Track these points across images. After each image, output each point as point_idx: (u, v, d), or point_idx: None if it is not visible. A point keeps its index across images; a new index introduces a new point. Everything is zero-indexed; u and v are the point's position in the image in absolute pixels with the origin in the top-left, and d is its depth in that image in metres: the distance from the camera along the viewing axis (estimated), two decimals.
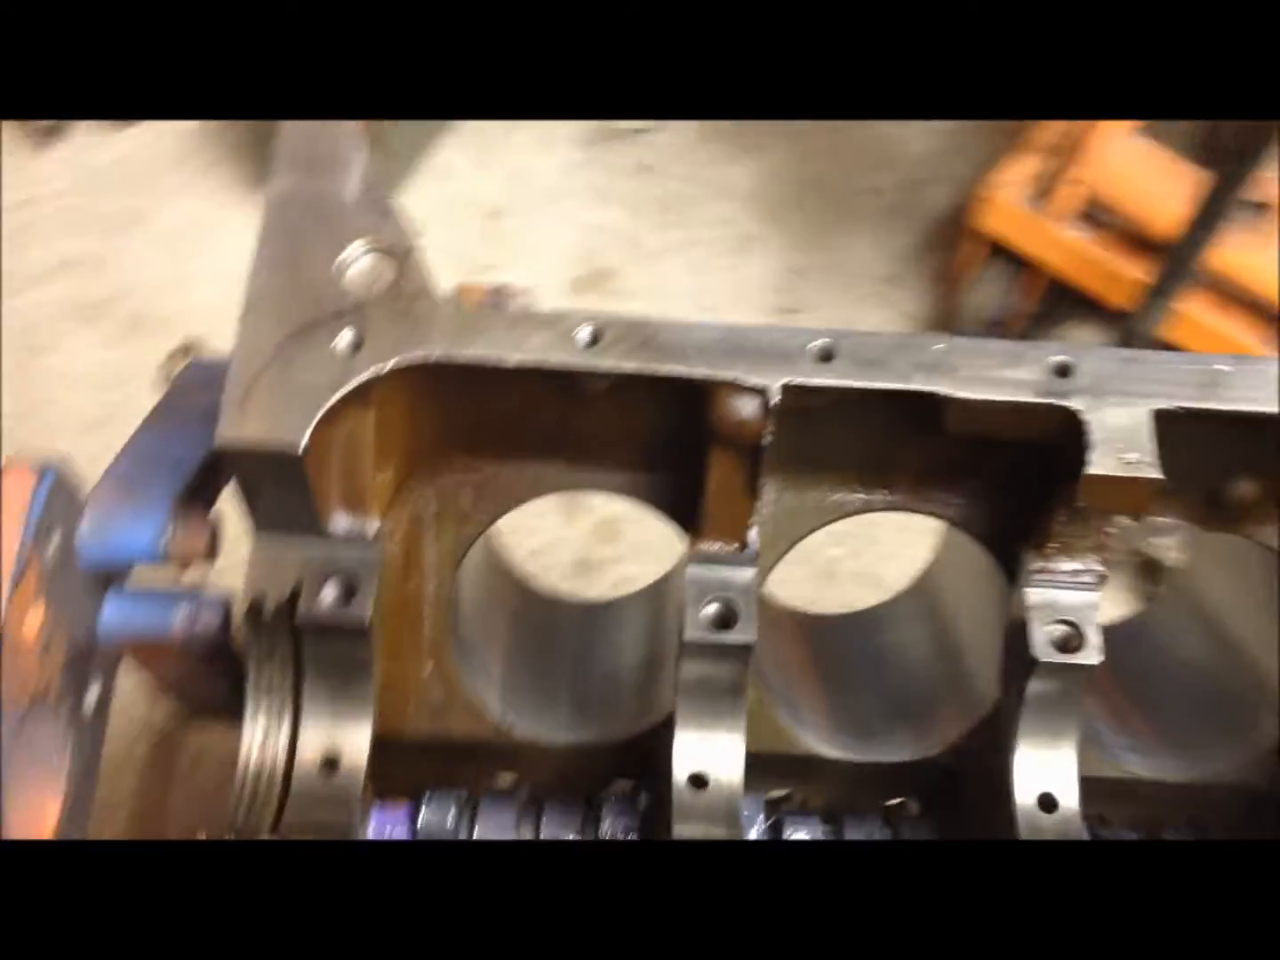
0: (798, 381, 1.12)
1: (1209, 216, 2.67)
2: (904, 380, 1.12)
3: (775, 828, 1.32)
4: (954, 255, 3.70)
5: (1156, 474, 1.08)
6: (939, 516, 1.29)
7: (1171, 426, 1.11)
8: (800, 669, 1.50)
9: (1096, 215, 3.24)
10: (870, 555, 3.14)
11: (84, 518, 1.20)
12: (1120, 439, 1.09)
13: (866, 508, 1.29)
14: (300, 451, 1.07)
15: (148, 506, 1.23)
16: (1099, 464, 1.09)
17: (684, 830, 1.18)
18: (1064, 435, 1.12)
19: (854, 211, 4.05)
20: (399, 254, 1.16)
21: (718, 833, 1.18)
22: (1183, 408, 1.10)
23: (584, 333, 1.14)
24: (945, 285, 3.77)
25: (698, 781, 1.22)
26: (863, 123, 4.19)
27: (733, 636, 1.18)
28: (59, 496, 1.16)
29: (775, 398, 1.12)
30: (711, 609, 1.19)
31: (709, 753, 1.22)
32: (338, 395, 1.10)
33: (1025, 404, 1.11)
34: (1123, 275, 3.11)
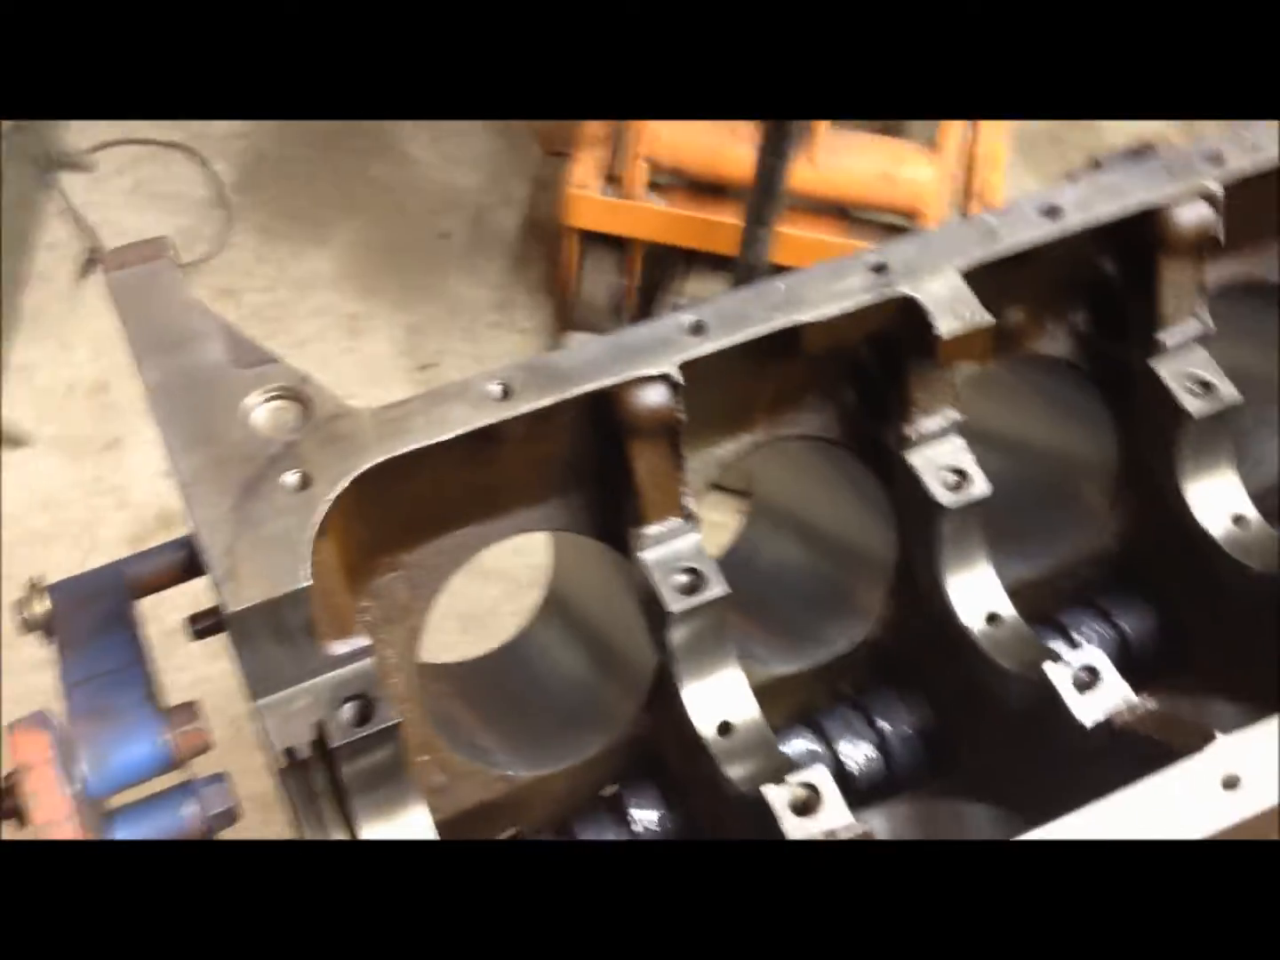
0: (691, 356, 1.26)
1: (773, 145, 3.01)
2: (769, 322, 1.29)
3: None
4: (554, 262, 3.92)
5: (990, 319, 1.30)
6: (800, 437, 1.47)
7: (969, 279, 1.34)
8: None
9: (667, 181, 3.56)
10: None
11: (83, 760, 1.17)
12: (949, 302, 1.31)
13: (741, 451, 1.46)
14: (309, 582, 1.11)
15: (132, 722, 1.21)
16: (946, 327, 1.30)
17: (734, 772, 1.30)
18: (902, 318, 1.32)
19: (439, 257, 4.20)
20: (297, 388, 1.21)
21: (764, 766, 1.31)
22: (979, 262, 1.33)
23: (494, 388, 1.23)
24: (555, 290, 4.00)
25: (724, 729, 1.34)
26: (410, 177, 4.34)
27: (709, 594, 1.31)
28: (64, 744, 1.14)
29: (679, 377, 1.26)
30: (682, 579, 1.32)
31: (721, 700, 1.35)
32: (313, 528, 1.14)
33: (869, 304, 1.31)
34: (714, 224, 3.43)
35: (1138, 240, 1.42)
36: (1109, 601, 1.61)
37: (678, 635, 1.32)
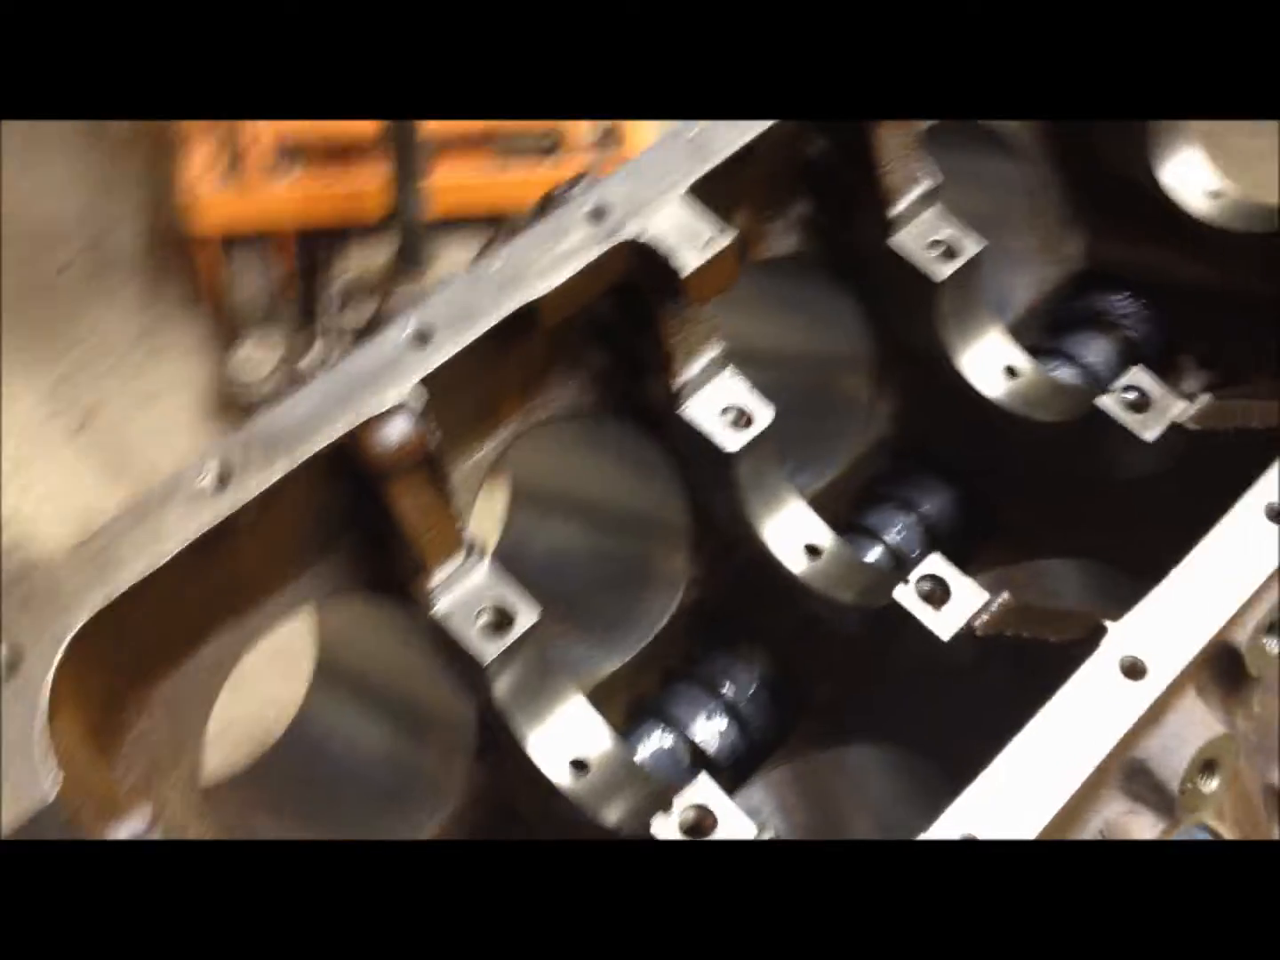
0: (425, 372, 1.09)
1: None
2: (500, 309, 1.12)
3: None
4: (195, 272, 3.58)
5: (731, 238, 1.17)
6: (558, 418, 1.32)
7: (692, 198, 1.20)
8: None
9: (291, 157, 3.27)
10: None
11: None
12: (683, 234, 1.17)
13: (500, 448, 1.29)
14: (57, 786, 0.89)
15: None
16: (688, 262, 1.16)
17: (609, 816, 1.16)
18: (638, 262, 1.18)
19: (65, 293, 3.78)
20: None
21: (633, 796, 1.17)
22: (697, 177, 1.20)
23: (208, 479, 1.02)
24: (206, 301, 3.66)
25: (579, 767, 1.19)
26: (6, 215, 3.86)
27: (522, 624, 1.15)
28: None
29: (418, 402, 1.08)
30: (486, 620, 1.15)
31: (567, 736, 1.20)
32: (41, 716, 0.92)
33: (601, 258, 1.15)
34: (356, 194, 3.19)
35: None
36: (906, 490, 1.54)
37: (501, 684, 1.16)
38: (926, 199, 1.37)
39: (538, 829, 1.24)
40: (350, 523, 1.15)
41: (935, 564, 1.20)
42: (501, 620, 1.16)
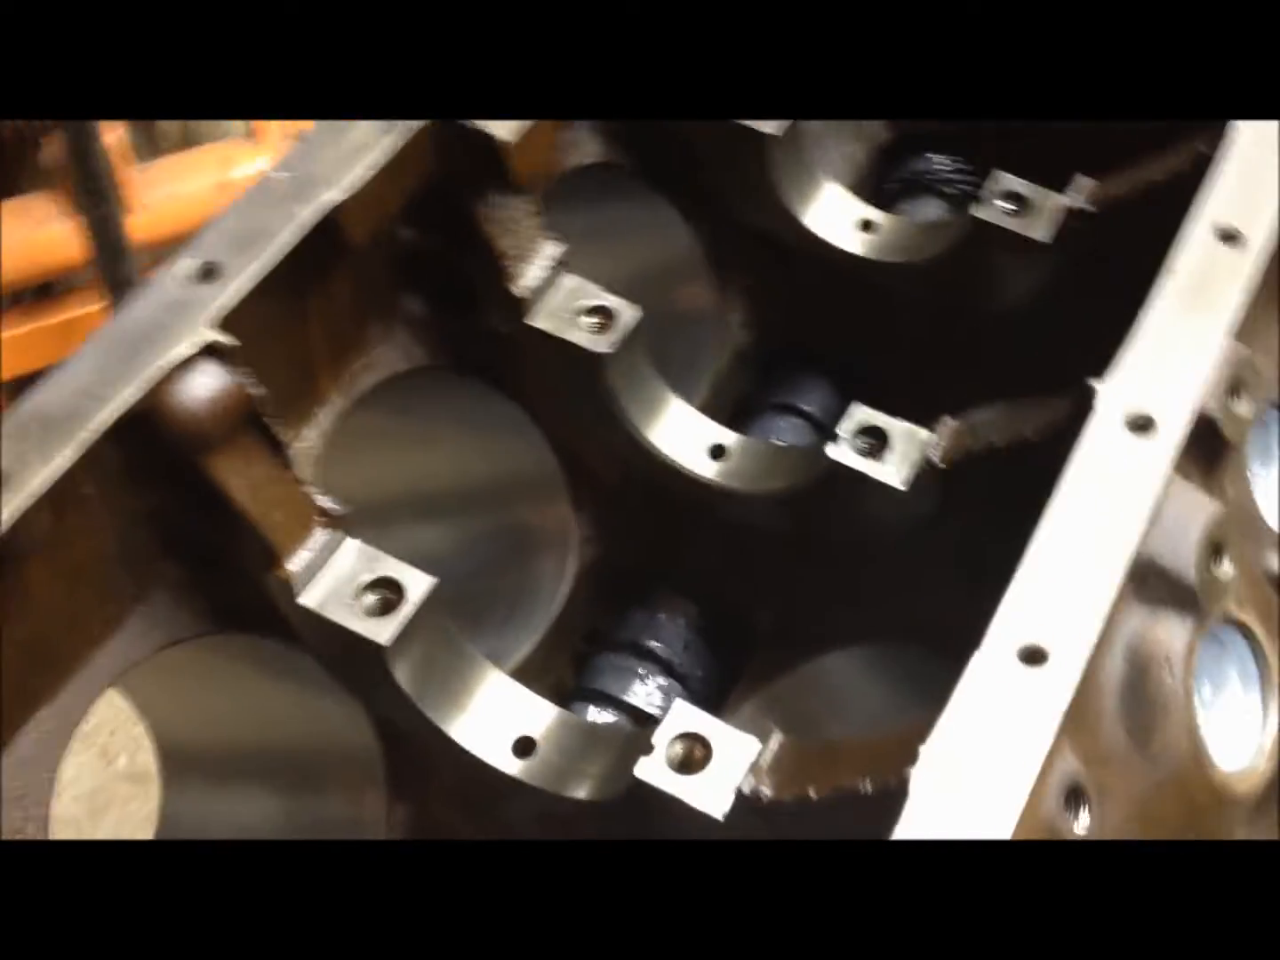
0: (224, 309, 0.87)
1: (91, 208, 2.59)
2: (297, 220, 0.91)
3: None
4: None
5: None
6: (388, 381, 1.11)
7: None
8: None
9: None
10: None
11: None
12: None
13: (329, 434, 1.08)
14: None
15: None
16: (504, 131, 0.98)
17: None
18: (449, 148, 0.99)
19: None
20: None
21: (597, 760, 0.95)
22: None
23: None
24: None
25: (522, 749, 0.97)
26: None
27: (416, 596, 0.92)
28: None
29: (228, 339, 0.86)
30: (371, 599, 0.93)
31: (500, 718, 0.98)
32: None
33: (403, 147, 0.96)
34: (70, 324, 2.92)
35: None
36: (781, 395, 1.38)
37: (404, 670, 0.93)
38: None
39: (491, 833, 1.01)
40: (171, 536, 0.92)
41: (863, 413, 1.05)
42: (390, 599, 0.93)
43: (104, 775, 2.57)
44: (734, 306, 1.39)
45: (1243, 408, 1.01)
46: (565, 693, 1.20)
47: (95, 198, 2.62)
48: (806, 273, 1.30)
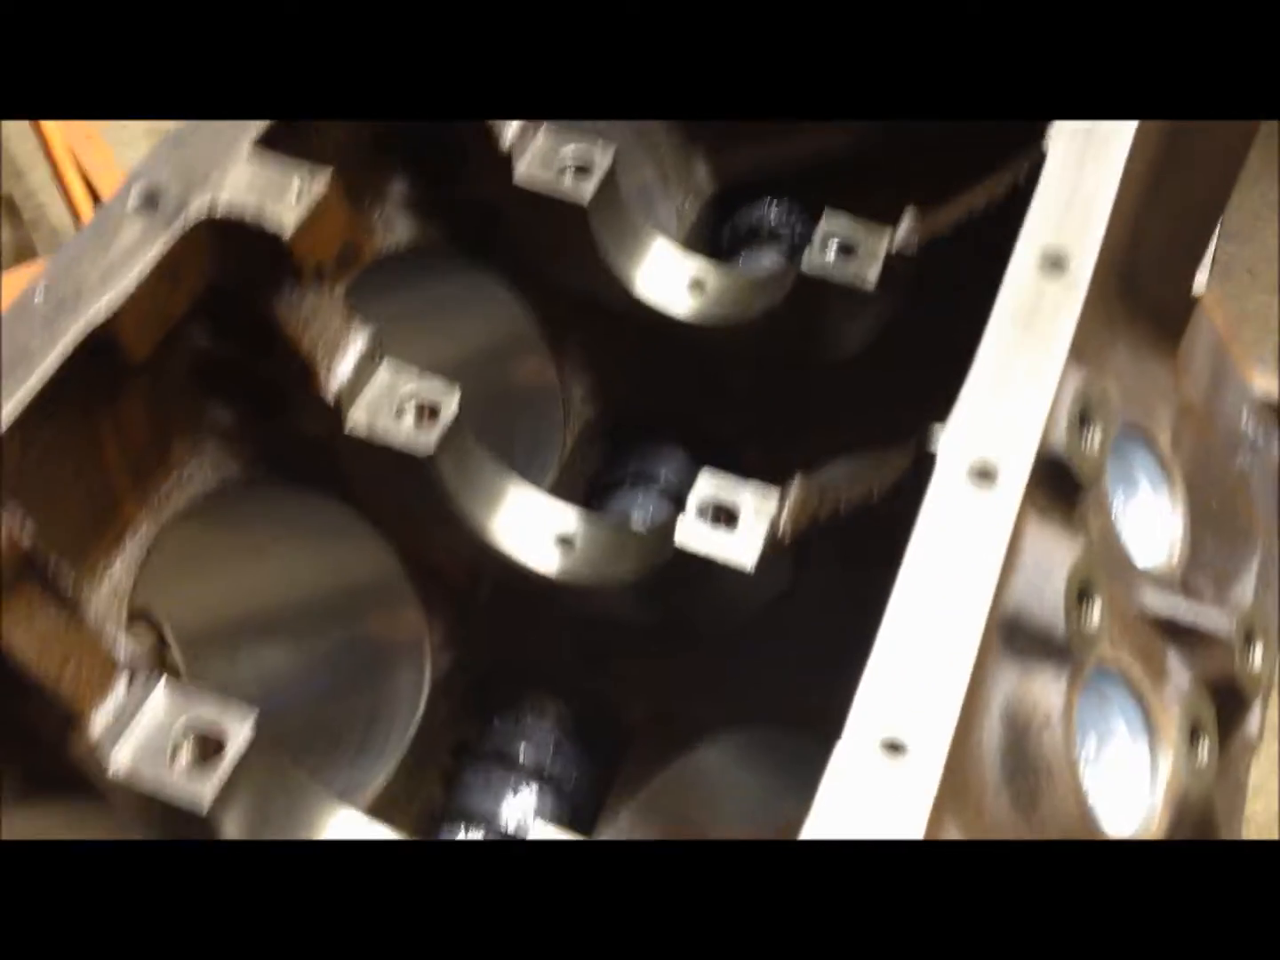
0: None
1: None
2: (60, 341, 0.83)
3: None
4: None
5: (327, 176, 0.93)
6: (201, 502, 1.03)
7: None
8: None
9: None
10: None
11: None
12: (265, 189, 0.92)
13: (138, 560, 0.99)
14: None
15: None
16: (284, 218, 0.91)
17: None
18: (222, 247, 0.92)
19: None
20: None
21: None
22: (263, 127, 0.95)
23: None
24: None
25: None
26: None
27: (238, 742, 0.83)
28: None
29: None
30: (184, 759, 0.84)
31: None
32: None
33: (171, 250, 0.88)
34: None
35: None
36: (635, 465, 1.32)
37: (232, 828, 0.84)
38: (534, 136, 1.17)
39: None
40: None
41: (709, 486, 0.99)
42: (208, 748, 0.84)
43: None
44: (574, 379, 1.33)
45: (1093, 439, 0.97)
46: (437, 813, 1.12)
47: None
48: (641, 338, 1.25)
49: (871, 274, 1.11)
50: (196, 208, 0.90)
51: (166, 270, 0.88)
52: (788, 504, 0.97)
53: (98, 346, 0.85)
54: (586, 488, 1.34)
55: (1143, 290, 1.17)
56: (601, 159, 1.17)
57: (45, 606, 0.81)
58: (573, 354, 1.32)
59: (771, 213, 1.49)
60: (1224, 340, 1.36)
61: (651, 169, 1.48)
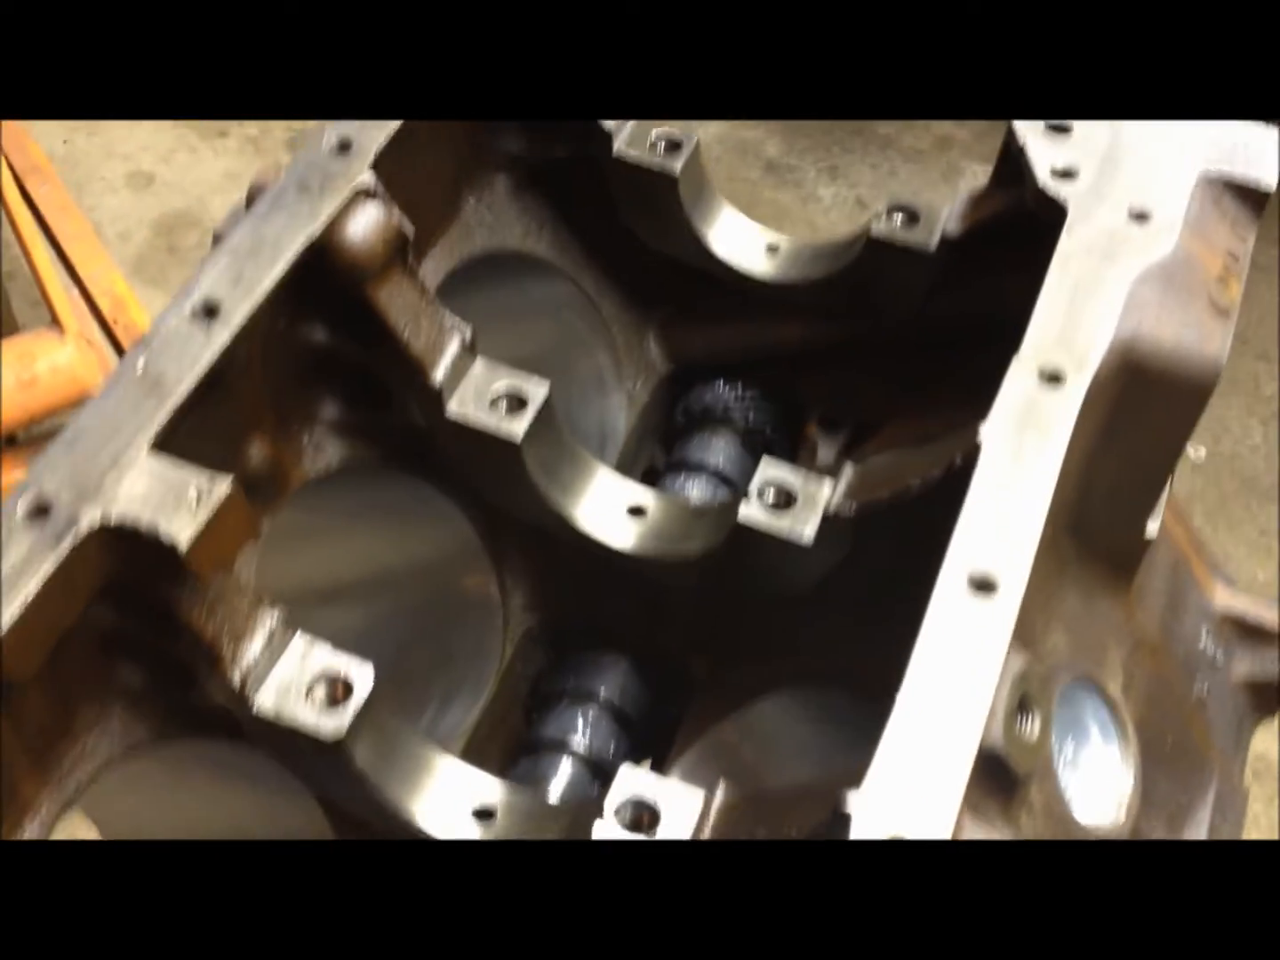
0: None
1: None
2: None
3: None
4: None
5: (226, 482, 0.90)
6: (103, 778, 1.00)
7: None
8: None
9: None
10: None
11: None
12: (161, 498, 0.89)
13: None
14: None
15: None
16: (181, 531, 0.88)
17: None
18: (117, 557, 0.89)
19: None
20: None
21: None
22: (159, 427, 0.92)
23: None
24: None
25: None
26: None
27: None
28: None
29: None
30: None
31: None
32: None
33: (61, 567, 0.85)
34: None
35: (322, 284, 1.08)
36: (574, 681, 1.29)
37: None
38: (465, 355, 1.14)
39: None
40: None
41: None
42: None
43: None
44: (517, 589, 1.30)
45: (1032, 727, 0.94)
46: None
47: None
48: (581, 563, 1.21)
49: (809, 530, 1.08)
50: (88, 519, 0.87)
51: (56, 586, 0.85)
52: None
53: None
54: (528, 702, 1.31)
55: (1094, 534, 1.14)
56: (536, 391, 1.14)
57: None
58: (513, 565, 1.29)
59: (724, 395, 1.46)
60: (1185, 557, 1.32)
61: (605, 354, 1.45)
